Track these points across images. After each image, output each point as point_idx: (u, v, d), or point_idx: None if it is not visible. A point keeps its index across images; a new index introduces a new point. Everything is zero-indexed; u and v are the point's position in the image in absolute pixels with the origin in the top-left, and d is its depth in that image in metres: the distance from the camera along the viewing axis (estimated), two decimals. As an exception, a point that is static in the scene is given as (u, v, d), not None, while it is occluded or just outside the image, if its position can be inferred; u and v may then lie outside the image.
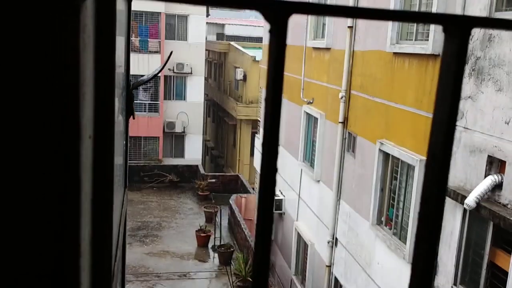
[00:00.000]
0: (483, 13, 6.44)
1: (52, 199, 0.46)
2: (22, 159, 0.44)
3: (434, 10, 7.44)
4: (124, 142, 1.74)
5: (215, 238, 17.52)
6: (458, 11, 6.90)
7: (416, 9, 8.25)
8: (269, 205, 0.48)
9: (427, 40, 7.76)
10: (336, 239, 11.11)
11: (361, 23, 10.10)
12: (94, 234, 0.74)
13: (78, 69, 0.44)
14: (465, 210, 6.47)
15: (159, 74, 25.13)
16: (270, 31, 0.44)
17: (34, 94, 0.44)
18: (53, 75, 0.43)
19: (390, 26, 8.74)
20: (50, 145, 0.45)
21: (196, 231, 17.83)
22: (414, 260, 0.49)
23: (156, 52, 25.60)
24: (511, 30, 0.49)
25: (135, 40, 25.20)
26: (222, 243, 17.27)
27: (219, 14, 46.91)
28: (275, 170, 0.44)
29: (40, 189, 0.45)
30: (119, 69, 1.50)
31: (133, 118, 1.82)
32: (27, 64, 0.43)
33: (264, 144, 0.45)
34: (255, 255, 0.47)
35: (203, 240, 17.58)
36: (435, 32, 7.43)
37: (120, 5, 1.33)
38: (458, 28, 0.46)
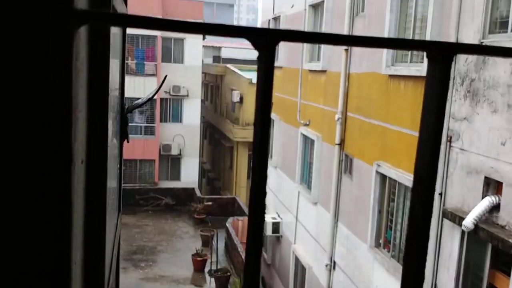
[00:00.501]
0: (477, 36, 6.53)
1: (42, 223, 0.46)
2: (11, 183, 0.44)
3: (428, 32, 7.54)
4: (118, 166, 1.74)
5: (211, 262, 17.34)
6: (452, 33, 7.00)
7: (411, 31, 8.37)
8: (259, 230, 0.48)
9: (422, 62, 7.86)
10: (334, 262, 11.02)
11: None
12: (86, 258, 0.74)
13: (70, 95, 0.44)
14: (463, 232, 6.45)
15: (155, 97, 25.24)
16: (258, 58, 0.45)
17: (25, 120, 0.44)
18: (45, 101, 0.43)
19: (385, 49, 8.85)
20: (41, 170, 0.45)
21: (192, 255, 17.65)
22: (403, 281, 0.50)
23: (152, 75, 25.76)
24: (493, 56, 0.50)
25: (131, 63, 25.37)
26: (218, 267, 17.08)
27: (216, 37, 47.43)
28: (264, 194, 0.45)
29: (30, 213, 0.46)
30: (114, 92, 1.51)
31: (127, 142, 1.82)
32: (19, 90, 0.44)
33: (253, 169, 0.45)
34: (245, 273, 0.47)
35: (199, 264, 17.39)
36: (429, 54, 7.51)
37: (115, 28, 1.35)
38: (441, 54, 0.48)
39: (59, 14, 0.42)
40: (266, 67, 0.45)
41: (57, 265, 0.51)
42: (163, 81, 3.03)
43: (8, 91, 0.44)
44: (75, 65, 0.46)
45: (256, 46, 0.45)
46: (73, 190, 0.47)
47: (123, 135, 1.72)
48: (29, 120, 0.44)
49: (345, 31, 10.42)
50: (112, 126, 1.39)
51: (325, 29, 11.67)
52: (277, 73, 14.35)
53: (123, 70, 1.83)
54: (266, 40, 0.44)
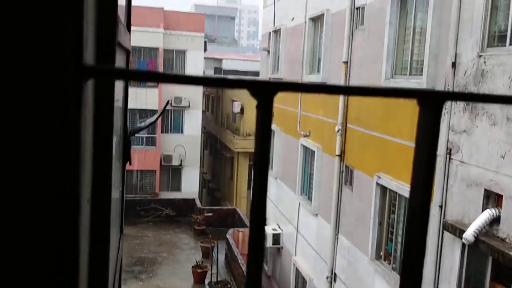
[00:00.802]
0: (476, 49, 6.58)
1: (48, 267, 0.48)
2: (18, 228, 0.47)
3: (427, 45, 7.59)
4: (121, 189, 1.77)
5: (211, 274, 17.26)
6: (450, 47, 7.05)
7: (410, 44, 8.43)
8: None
9: (421, 75, 7.90)
10: (335, 274, 10.98)
11: (356, 58, 10.28)
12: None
13: (79, 143, 0.47)
14: (463, 244, 6.44)
15: (156, 108, 25.31)
16: (257, 106, 0.48)
17: (36, 167, 0.47)
18: (56, 150, 0.46)
19: (384, 61, 8.90)
20: (49, 213, 0.48)
21: (193, 266, 17.58)
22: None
23: (154, 86, 25.86)
24: (482, 102, 0.52)
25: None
26: (219, 279, 17.01)
27: (217, 49, 47.67)
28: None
29: (37, 259, 0.48)
30: (118, 115, 1.54)
31: (130, 164, 1.85)
32: (32, 140, 0.46)
33: (251, 213, 0.48)
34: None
35: (199, 276, 17.31)
36: (429, 67, 7.57)
37: (119, 61, 1.38)
38: (431, 102, 0.50)
39: (69, 70, 0.45)
40: (264, 116, 0.47)
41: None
42: (165, 106, 3.07)
43: (20, 139, 0.47)
44: (83, 114, 0.49)
45: (255, 96, 0.47)
46: (80, 231, 0.50)
47: (126, 158, 1.75)
48: (39, 166, 0.47)
49: (344, 44, 10.49)
50: (115, 151, 1.42)
51: (324, 42, 11.75)
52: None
53: (127, 91, 1.86)
54: (264, 91, 0.46)
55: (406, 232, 0.55)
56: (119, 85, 1.46)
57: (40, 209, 0.47)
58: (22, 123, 0.46)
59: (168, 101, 3.76)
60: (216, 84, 0.46)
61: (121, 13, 1.58)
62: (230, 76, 0.46)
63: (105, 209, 0.71)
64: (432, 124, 0.50)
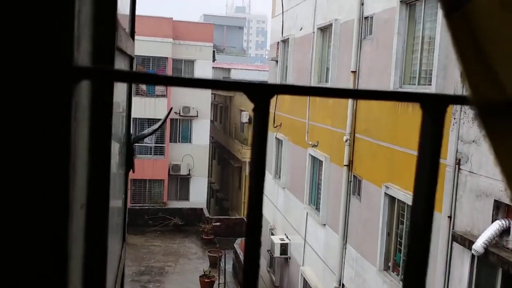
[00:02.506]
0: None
1: (38, 274, 0.47)
2: (3, 234, 0.46)
3: (436, 54, 7.56)
4: (124, 197, 1.76)
5: (219, 283, 17.19)
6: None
7: (418, 54, 8.40)
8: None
9: (430, 84, 7.86)
10: (343, 285, 10.88)
11: (364, 67, 10.27)
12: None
13: (68, 146, 0.46)
14: (473, 256, 6.36)
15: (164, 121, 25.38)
16: (254, 110, 0.47)
17: (23, 171, 0.46)
18: (44, 153, 0.45)
19: (393, 70, 8.88)
20: (36, 216, 0.47)
21: (200, 276, 17.52)
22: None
23: (162, 96, 25.99)
24: (486, 105, 0.51)
25: (142, 85, 25.66)
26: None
27: (225, 59, 47.88)
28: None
29: (25, 264, 0.47)
30: (120, 122, 1.53)
31: (133, 172, 1.84)
32: (17, 142, 0.46)
33: (248, 217, 0.46)
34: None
35: (207, 286, 17.25)
36: (438, 77, 7.53)
37: (121, 66, 1.38)
38: (434, 106, 0.49)
39: (58, 72, 0.44)
40: (260, 118, 0.46)
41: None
42: (168, 113, 3.07)
43: (7, 142, 0.46)
44: (74, 117, 0.48)
45: (252, 99, 0.46)
46: (70, 236, 0.48)
47: (129, 165, 1.74)
48: (26, 170, 0.46)
49: (353, 54, 10.48)
50: (118, 158, 1.42)
51: (333, 52, 11.75)
52: (285, 95, 14.41)
53: (130, 98, 1.86)
54: (261, 94, 0.45)
55: (408, 245, 0.53)
56: (121, 92, 1.46)
57: (26, 212, 0.46)
58: (8, 123, 0.45)
59: (171, 108, 3.76)
60: (211, 86, 0.45)
61: (125, 21, 1.58)
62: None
63: (102, 215, 0.70)
64: (435, 129, 0.48)
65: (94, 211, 0.66)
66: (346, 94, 0.47)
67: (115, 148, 1.22)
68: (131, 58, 1.70)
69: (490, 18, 0.45)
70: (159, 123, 2.71)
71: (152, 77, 0.44)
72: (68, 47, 0.45)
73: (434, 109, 0.49)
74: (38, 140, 0.45)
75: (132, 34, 1.72)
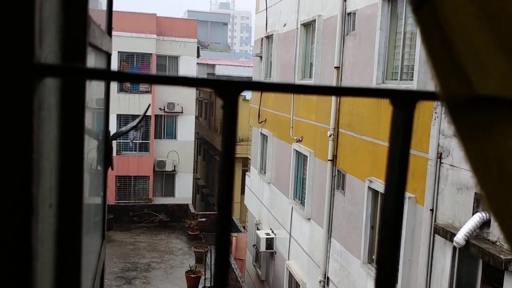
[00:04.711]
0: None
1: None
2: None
3: (417, 52, 7.63)
4: (103, 194, 1.74)
5: (205, 279, 17.20)
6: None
7: (400, 49, 8.46)
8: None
9: (412, 80, 7.93)
10: (328, 278, 10.96)
11: (348, 63, 10.31)
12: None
13: (29, 144, 0.45)
14: (454, 248, 6.45)
15: (149, 114, 25.26)
16: (222, 107, 0.46)
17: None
18: (4, 152, 0.44)
19: (375, 66, 8.93)
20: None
21: (186, 272, 17.50)
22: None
23: (147, 92, 25.80)
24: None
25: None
26: (212, 284, 16.93)
27: (210, 55, 47.68)
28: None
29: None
30: (98, 119, 1.51)
31: (112, 169, 1.83)
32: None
33: (218, 218, 0.46)
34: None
35: (193, 281, 17.24)
36: (419, 72, 7.60)
37: (96, 63, 1.36)
38: (403, 102, 0.49)
39: (17, 69, 0.43)
40: (229, 115, 0.46)
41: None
42: (146, 109, 3.05)
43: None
44: (37, 115, 0.47)
45: (220, 96, 0.46)
46: (36, 236, 0.47)
47: (108, 162, 1.73)
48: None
49: (336, 50, 10.52)
50: (96, 155, 1.40)
51: (316, 47, 11.78)
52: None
53: (108, 94, 1.84)
54: (229, 91, 0.45)
55: (380, 239, 0.53)
56: (99, 88, 1.44)
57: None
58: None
59: (149, 105, 3.75)
60: (179, 83, 0.45)
61: (101, 17, 1.55)
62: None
63: (75, 213, 0.69)
64: (404, 125, 0.49)
65: (66, 210, 0.65)
66: (315, 91, 0.47)
67: (92, 145, 1.20)
68: (108, 55, 1.68)
69: (458, 13, 0.45)
70: (137, 120, 2.70)
71: (115, 74, 0.44)
72: (27, 42, 0.44)
73: (404, 105, 0.49)
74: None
75: (109, 30, 1.70)
